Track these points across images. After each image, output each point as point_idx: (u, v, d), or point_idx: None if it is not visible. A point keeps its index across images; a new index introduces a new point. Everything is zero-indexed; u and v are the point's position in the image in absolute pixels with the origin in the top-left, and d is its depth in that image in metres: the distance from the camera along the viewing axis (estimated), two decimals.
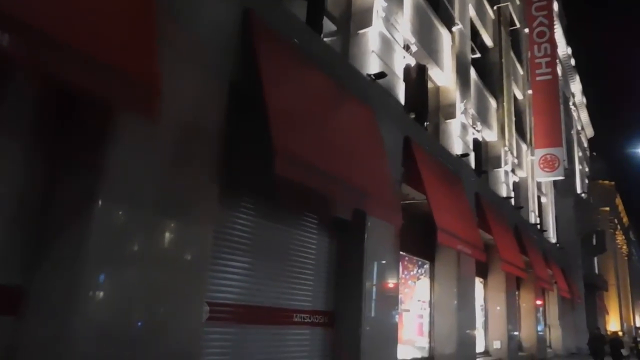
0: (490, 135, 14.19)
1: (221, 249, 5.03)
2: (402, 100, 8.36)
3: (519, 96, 18.63)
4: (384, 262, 7.32)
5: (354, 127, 6.49)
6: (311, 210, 6.46)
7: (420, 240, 10.27)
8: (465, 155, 10.53)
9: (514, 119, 15.59)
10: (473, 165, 11.58)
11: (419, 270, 11.09)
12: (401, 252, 9.74)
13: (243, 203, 5.42)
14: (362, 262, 6.81)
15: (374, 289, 7.01)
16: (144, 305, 3.68)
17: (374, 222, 7.03)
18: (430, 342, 10.64)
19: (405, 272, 11.14)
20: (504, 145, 14.40)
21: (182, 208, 4.09)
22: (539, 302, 18.11)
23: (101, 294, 3.39)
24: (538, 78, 19.53)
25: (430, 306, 10.72)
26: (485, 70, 14.46)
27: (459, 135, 10.79)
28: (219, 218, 4.80)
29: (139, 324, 3.63)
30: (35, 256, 3.41)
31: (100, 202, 3.40)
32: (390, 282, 7.49)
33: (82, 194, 3.43)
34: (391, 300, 7.45)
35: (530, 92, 19.46)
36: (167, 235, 3.93)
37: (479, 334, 13.21)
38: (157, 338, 3.75)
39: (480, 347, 13.21)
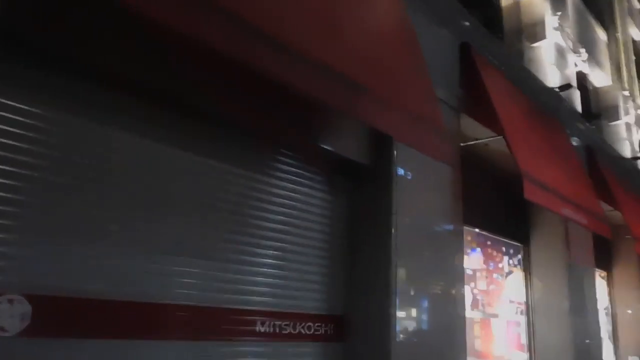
0: (601, 78, 10.49)
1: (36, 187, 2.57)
2: None
3: (636, 36, 14.40)
4: (430, 233, 4.45)
5: (361, 9, 3.76)
6: (289, 134, 3.80)
7: (506, 213, 7.17)
8: (567, 87, 7.20)
9: (633, 57, 11.65)
10: (579, 107, 8.17)
11: (511, 261, 7.94)
12: (477, 230, 6.76)
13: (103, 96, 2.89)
14: (388, 233, 4.02)
15: (415, 279, 4.18)
16: None
17: (406, 163, 4.22)
18: (532, 359, 7.47)
19: (491, 263, 8.07)
20: (623, 90, 10.61)
21: None
22: None
23: None
24: None
25: (528, 309, 7.51)
26: None
27: (553, 62, 7.51)
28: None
29: None
30: None
31: None
32: (446, 269, 4.59)
33: None
34: (450, 298, 4.55)
35: None
36: None
37: (606, 346, 9.56)
38: None
39: None
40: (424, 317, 4.19)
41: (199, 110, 3.27)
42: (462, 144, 5.18)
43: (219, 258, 3.34)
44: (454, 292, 4.60)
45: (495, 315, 7.86)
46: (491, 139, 5.23)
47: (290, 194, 3.94)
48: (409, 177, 4.27)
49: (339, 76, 3.12)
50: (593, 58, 9.82)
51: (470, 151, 6.07)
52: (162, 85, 3.01)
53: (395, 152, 4.16)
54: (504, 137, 4.94)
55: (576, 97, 8.13)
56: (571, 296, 7.19)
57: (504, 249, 7.92)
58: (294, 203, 3.95)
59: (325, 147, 3.97)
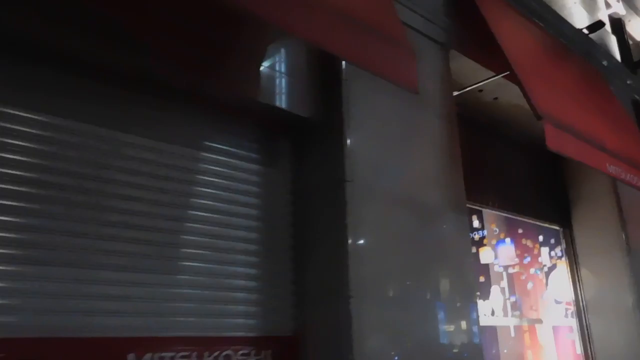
0: None
1: None
2: None
3: None
4: (413, 212, 3.11)
5: None
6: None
7: (538, 189, 5.74)
8: (597, 27, 5.73)
9: None
10: (617, 55, 6.64)
11: (553, 252, 6.44)
12: (503, 214, 5.38)
13: None
14: (342, 212, 2.72)
15: (391, 279, 2.85)
16: None
17: (367, 110, 2.96)
18: None
19: (526, 256, 6.61)
20: None
21: None
22: None
23: None
24: None
25: (580, 310, 5.97)
26: None
27: (577, 1, 6.06)
28: None
29: None
30: None
31: None
32: (442, 262, 3.22)
33: None
34: (452, 302, 3.17)
35: None
36: None
37: None
38: None
39: None
40: (409, 332, 2.84)
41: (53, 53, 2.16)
42: (456, 93, 3.86)
43: (69, 262, 2.15)
44: (458, 293, 3.22)
45: (538, 321, 6.35)
46: (493, 79, 3.87)
47: (202, 165, 2.74)
48: (370, 129, 2.99)
49: None
50: (629, 3, 8.24)
51: (482, 111, 4.75)
52: None
53: (347, 92, 2.90)
54: (511, 75, 3.58)
55: (612, 43, 6.62)
56: (636, 289, 5.62)
57: (541, 237, 6.45)
58: (207, 178, 2.74)
59: (249, 96, 2.77)
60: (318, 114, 2.98)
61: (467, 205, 4.75)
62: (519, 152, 5.43)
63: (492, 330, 6.16)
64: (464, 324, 3.17)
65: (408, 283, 2.90)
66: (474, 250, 6.00)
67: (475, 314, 3.30)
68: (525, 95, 3.36)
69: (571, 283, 5.96)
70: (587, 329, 5.86)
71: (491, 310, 5.68)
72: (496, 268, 6.32)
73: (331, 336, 2.63)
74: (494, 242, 6.21)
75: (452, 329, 3.07)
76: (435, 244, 3.18)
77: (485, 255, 5.83)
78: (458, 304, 3.18)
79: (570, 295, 6.02)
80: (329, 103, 2.96)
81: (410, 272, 2.94)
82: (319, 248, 2.83)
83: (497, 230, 6.30)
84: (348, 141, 2.83)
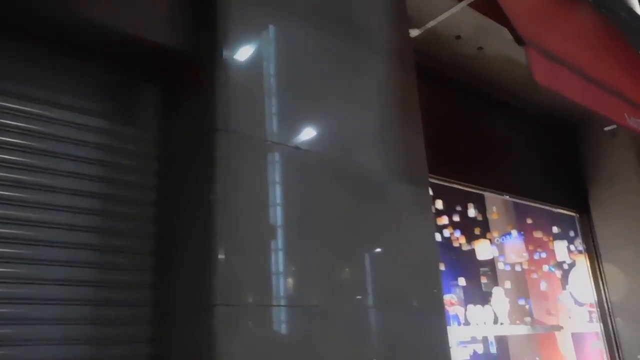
0: None
1: None
2: None
3: None
4: (329, 183, 2.17)
5: None
6: None
7: (546, 166, 4.72)
8: None
9: None
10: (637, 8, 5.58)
11: (572, 246, 5.41)
12: (506, 197, 4.41)
13: None
14: (210, 181, 1.81)
15: (290, 273, 1.91)
16: None
17: (258, 25, 2.05)
18: None
19: (539, 251, 5.65)
20: None
21: None
22: None
23: None
24: None
25: (605, 311, 4.87)
26: None
27: None
28: None
29: None
30: None
31: None
32: (396, 253, 2.26)
33: None
34: (396, 315, 2.20)
35: None
36: None
37: None
38: None
39: None
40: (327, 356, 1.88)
41: None
42: (417, 32, 2.90)
43: None
44: (414, 297, 2.25)
45: (557, 328, 5.32)
46: (460, 4, 2.88)
47: (14, 120, 1.86)
48: (271, 62, 2.07)
49: None
50: None
51: (465, 68, 3.80)
52: None
53: (225, 5, 1.99)
54: None
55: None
56: None
57: (555, 229, 5.43)
58: (22, 137, 1.86)
59: (88, 19, 1.89)
60: (191, 43, 2.07)
61: (460, 185, 3.82)
62: (518, 120, 4.43)
63: (499, 341, 5.15)
64: (425, 339, 2.20)
65: (324, 285, 1.95)
66: (470, 246, 5.01)
67: (442, 323, 2.33)
68: (502, 17, 2.39)
69: (593, 281, 4.89)
70: (615, 336, 4.79)
71: (494, 316, 4.66)
72: (501, 266, 5.30)
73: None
74: (495, 236, 5.20)
75: (403, 348, 2.10)
76: (378, 228, 2.22)
77: (483, 249, 4.80)
78: (414, 312, 2.21)
79: (593, 296, 4.95)
80: (203, 25, 2.05)
81: (331, 269, 1.99)
82: (185, 236, 1.91)
83: (500, 219, 5.29)
84: (226, 74, 1.92)
